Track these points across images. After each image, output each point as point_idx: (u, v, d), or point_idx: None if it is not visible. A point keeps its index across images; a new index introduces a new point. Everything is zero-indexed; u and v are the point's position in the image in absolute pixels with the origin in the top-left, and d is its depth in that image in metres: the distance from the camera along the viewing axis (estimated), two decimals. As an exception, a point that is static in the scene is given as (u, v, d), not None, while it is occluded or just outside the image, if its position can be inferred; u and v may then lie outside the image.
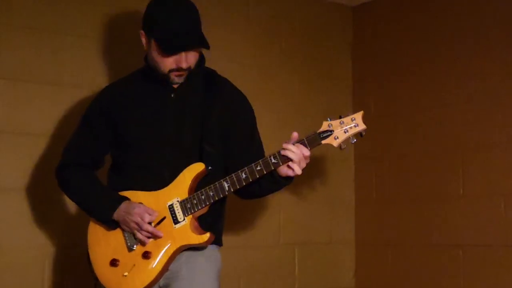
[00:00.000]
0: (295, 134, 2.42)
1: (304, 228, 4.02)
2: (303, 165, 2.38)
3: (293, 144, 2.37)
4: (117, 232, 2.50)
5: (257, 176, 2.38)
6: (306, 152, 2.37)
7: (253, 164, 2.38)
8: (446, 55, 3.81)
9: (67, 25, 3.33)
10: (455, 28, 3.79)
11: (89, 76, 3.34)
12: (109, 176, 2.64)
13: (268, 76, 3.96)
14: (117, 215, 2.45)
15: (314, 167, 4.07)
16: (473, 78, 3.67)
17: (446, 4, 3.86)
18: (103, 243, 2.51)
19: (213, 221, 2.54)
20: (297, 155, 2.35)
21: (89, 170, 2.63)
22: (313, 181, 4.07)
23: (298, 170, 2.37)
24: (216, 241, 2.54)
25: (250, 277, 3.78)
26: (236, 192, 2.48)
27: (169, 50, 2.43)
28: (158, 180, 2.47)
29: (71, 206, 3.27)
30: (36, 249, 3.18)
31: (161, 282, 2.49)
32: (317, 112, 4.10)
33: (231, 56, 3.75)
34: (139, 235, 2.43)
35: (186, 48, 2.43)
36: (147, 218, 2.41)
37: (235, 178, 2.39)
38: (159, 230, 2.43)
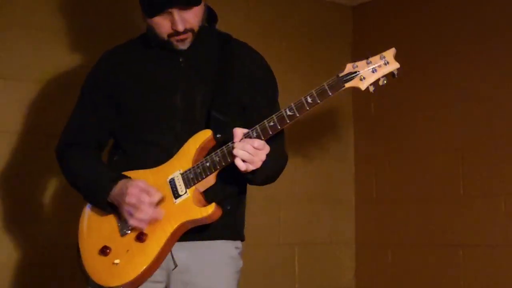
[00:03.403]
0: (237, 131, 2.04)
1: (304, 228, 4.02)
2: (262, 157, 2.02)
3: (248, 136, 2.02)
4: (111, 218, 2.17)
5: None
6: (258, 144, 2.00)
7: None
8: (446, 55, 3.81)
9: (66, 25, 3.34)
10: (455, 28, 3.78)
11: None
12: (110, 159, 2.32)
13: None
14: (112, 197, 2.11)
15: (314, 167, 4.08)
16: (473, 78, 3.67)
17: (446, 4, 3.86)
18: (94, 232, 2.19)
19: (232, 209, 2.22)
20: (245, 152, 1.99)
21: (91, 150, 2.31)
22: (313, 181, 4.07)
23: (240, 166, 2.00)
24: (237, 235, 2.29)
25: (250, 277, 3.78)
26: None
27: (149, 12, 2.14)
28: (167, 158, 2.14)
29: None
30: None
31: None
32: (317, 112, 4.09)
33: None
34: (132, 221, 2.08)
35: (166, 6, 2.11)
36: (146, 199, 2.06)
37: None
38: (160, 211, 2.08)
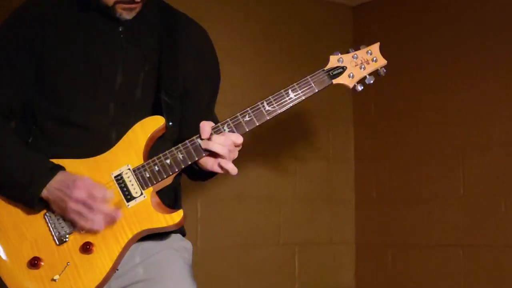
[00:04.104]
0: (205, 126, 1.77)
1: (304, 228, 4.02)
2: (236, 154, 1.78)
3: (219, 132, 1.75)
4: (37, 218, 1.72)
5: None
6: (238, 139, 1.74)
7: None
8: (446, 55, 3.81)
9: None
10: (455, 28, 3.78)
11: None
12: (22, 139, 1.83)
13: (268, 76, 3.96)
14: (48, 191, 1.68)
15: (314, 167, 4.08)
16: (473, 78, 3.67)
17: (446, 4, 3.86)
18: (14, 236, 1.71)
19: (171, 203, 1.89)
20: (225, 148, 1.73)
21: (4, 121, 1.83)
22: (313, 181, 4.06)
23: (232, 170, 1.77)
24: (182, 228, 1.93)
25: (250, 277, 3.78)
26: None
27: None
28: (102, 145, 1.77)
29: None
30: None
31: None
32: (316, 112, 4.09)
33: (231, 56, 3.75)
34: (83, 223, 1.67)
35: None
36: (100, 192, 1.67)
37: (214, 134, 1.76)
38: (118, 209, 1.70)
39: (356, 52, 1.86)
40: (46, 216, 1.73)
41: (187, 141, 1.76)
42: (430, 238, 3.79)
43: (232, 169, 1.76)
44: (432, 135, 3.84)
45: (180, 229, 1.92)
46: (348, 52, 1.88)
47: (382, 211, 4.08)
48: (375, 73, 1.85)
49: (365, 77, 1.84)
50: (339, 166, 4.19)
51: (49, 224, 1.73)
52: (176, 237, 1.89)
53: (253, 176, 3.77)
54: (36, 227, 1.72)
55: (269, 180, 3.86)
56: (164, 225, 1.73)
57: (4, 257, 1.71)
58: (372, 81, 1.84)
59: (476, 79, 3.65)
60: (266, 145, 3.80)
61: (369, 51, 1.86)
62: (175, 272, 1.81)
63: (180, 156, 1.74)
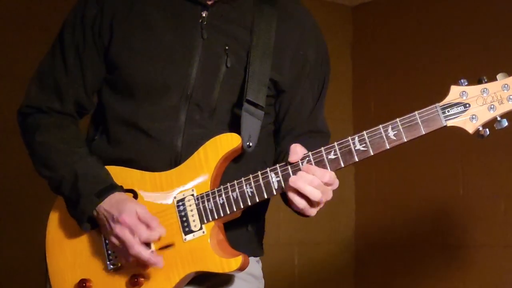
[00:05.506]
0: (298, 149, 1.44)
1: (304, 228, 4.02)
2: (329, 195, 1.50)
3: (310, 164, 1.45)
4: (95, 234, 1.56)
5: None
6: (328, 177, 1.46)
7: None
8: (446, 55, 3.81)
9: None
10: (455, 28, 3.78)
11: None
12: (88, 138, 1.67)
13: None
14: (98, 213, 1.51)
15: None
16: (473, 78, 3.66)
17: (446, 4, 3.86)
18: (68, 249, 1.58)
19: (253, 229, 1.72)
20: (314, 191, 1.42)
21: (69, 122, 1.64)
22: (313, 181, 4.07)
23: (312, 212, 1.48)
24: (260, 249, 1.75)
25: (250, 277, 3.78)
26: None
27: None
28: (167, 153, 1.53)
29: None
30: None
31: None
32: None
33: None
34: (122, 259, 1.51)
35: None
36: (144, 234, 1.45)
37: (290, 170, 1.44)
38: (159, 257, 1.47)
39: (488, 85, 1.42)
40: (98, 233, 1.56)
41: (259, 172, 1.47)
42: (430, 238, 3.79)
43: (312, 212, 1.45)
44: (432, 135, 3.83)
45: (260, 249, 1.70)
46: (479, 81, 1.45)
47: (382, 211, 4.08)
48: (510, 115, 1.35)
49: (495, 119, 1.36)
50: (339, 166, 4.19)
51: (105, 244, 1.55)
52: (240, 284, 1.61)
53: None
54: (92, 244, 1.56)
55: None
56: (220, 270, 1.48)
57: (57, 272, 1.59)
58: (505, 125, 1.34)
59: (475, 79, 3.64)
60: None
61: (506, 85, 1.38)
62: None
63: (249, 190, 1.47)
